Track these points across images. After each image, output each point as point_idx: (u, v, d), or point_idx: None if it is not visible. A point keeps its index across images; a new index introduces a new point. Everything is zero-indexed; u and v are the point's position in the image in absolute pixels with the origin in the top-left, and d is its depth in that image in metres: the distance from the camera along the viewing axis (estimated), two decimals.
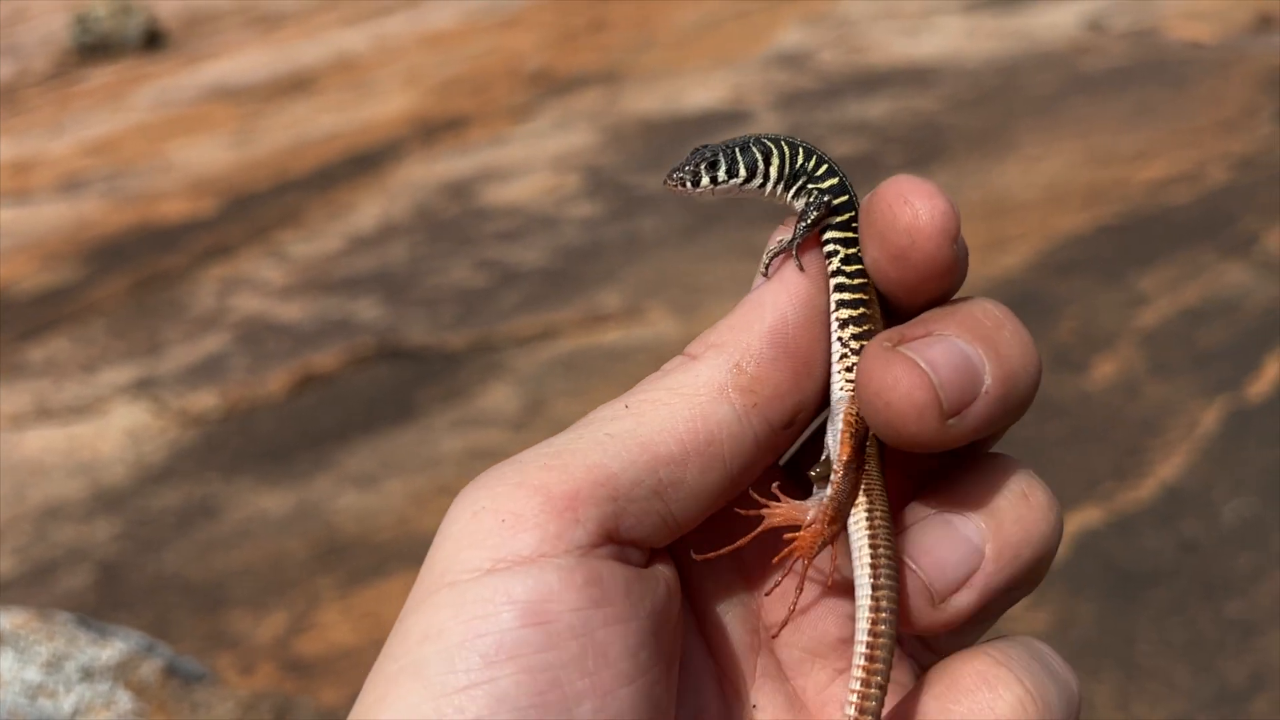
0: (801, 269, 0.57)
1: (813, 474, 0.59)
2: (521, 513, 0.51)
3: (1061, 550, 2.46)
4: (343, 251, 5.51)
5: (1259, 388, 3.55)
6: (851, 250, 0.58)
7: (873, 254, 0.57)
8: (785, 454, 0.61)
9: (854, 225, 0.59)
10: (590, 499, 0.51)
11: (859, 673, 0.55)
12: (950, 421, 0.53)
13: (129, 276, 5.60)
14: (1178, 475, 3.24)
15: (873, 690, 0.55)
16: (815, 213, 0.59)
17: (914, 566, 0.55)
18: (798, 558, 0.57)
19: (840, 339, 0.57)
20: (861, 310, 0.57)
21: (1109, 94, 6.02)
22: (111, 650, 1.80)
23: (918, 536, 0.56)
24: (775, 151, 0.60)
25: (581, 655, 0.49)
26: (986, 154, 5.50)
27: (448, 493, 3.75)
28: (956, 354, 0.53)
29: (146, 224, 6.18)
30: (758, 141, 0.60)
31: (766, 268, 0.59)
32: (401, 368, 4.51)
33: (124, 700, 1.72)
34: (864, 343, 0.57)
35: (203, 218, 6.11)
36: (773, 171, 0.60)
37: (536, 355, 4.46)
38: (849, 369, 0.57)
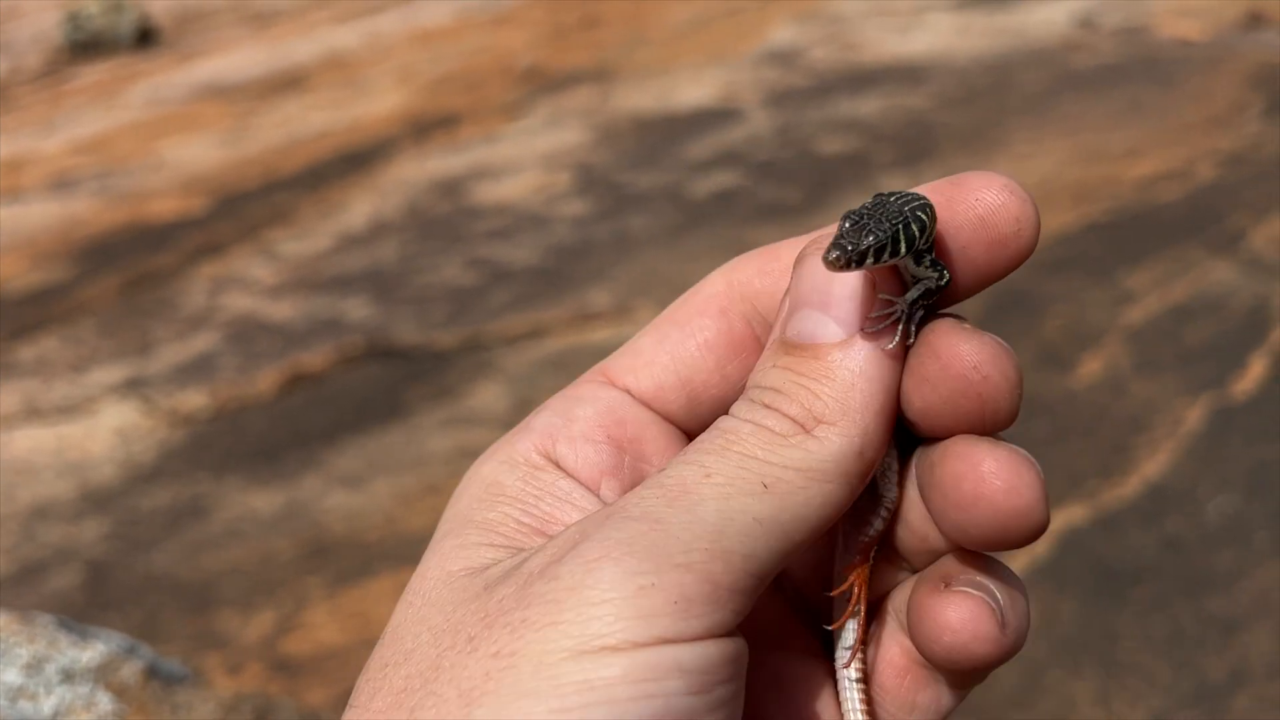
0: (910, 344, 0.57)
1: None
2: (692, 597, 0.52)
3: (1045, 548, 2.48)
4: (333, 250, 5.51)
5: (1244, 385, 3.57)
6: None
7: (963, 242, 0.58)
8: None
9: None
10: (744, 588, 0.53)
11: None
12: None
13: (119, 275, 5.60)
14: (1162, 473, 3.26)
15: None
16: (935, 292, 0.57)
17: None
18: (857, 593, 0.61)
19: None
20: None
21: (1099, 91, 6.03)
22: (92, 652, 1.81)
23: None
24: (917, 226, 0.56)
25: None
26: (976, 152, 5.51)
27: (436, 492, 3.77)
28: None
29: (137, 223, 6.18)
30: (914, 216, 0.56)
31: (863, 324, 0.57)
32: (391, 367, 4.52)
33: (104, 702, 1.73)
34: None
35: (193, 216, 6.12)
36: (904, 246, 0.56)
37: (526, 354, 4.47)
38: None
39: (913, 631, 0.58)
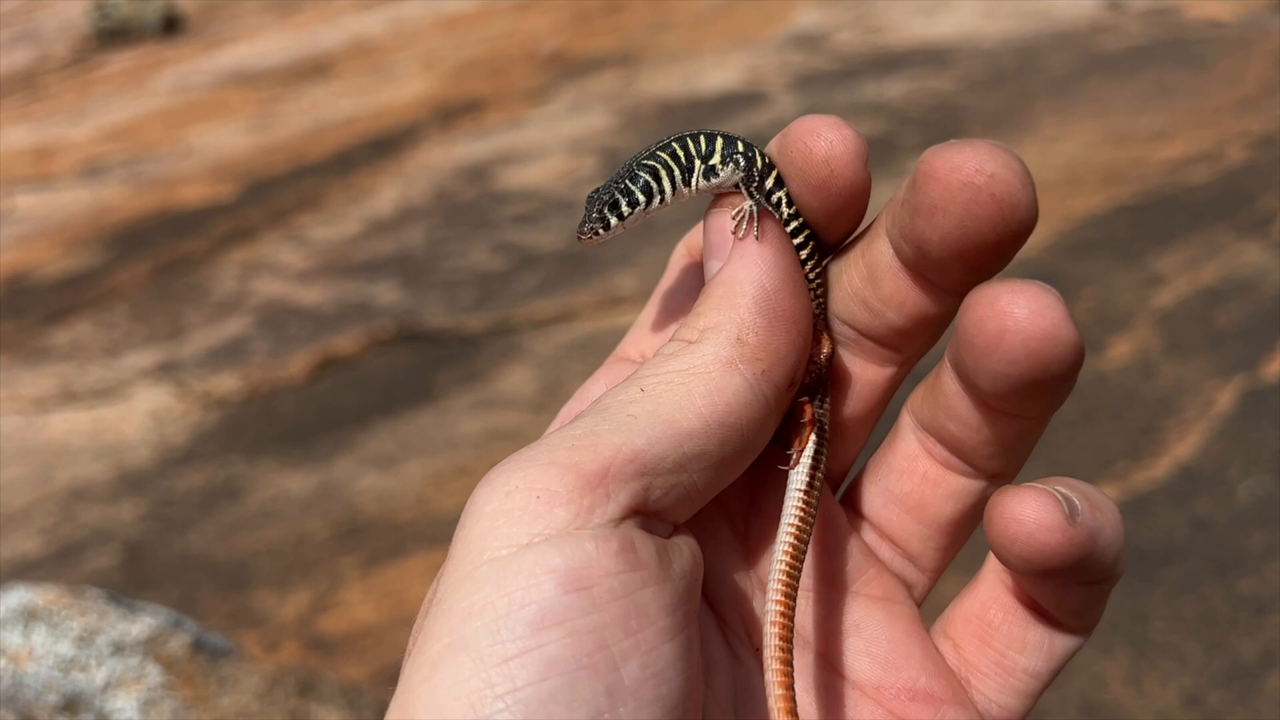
0: (757, 237, 0.60)
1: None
2: (554, 489, 0.53)
3: None
4: (361, 235, 5.55)
5: (1275, 367, 3.56)
6: (786, 193, 0.62)
7: (795, 188, 0.61)
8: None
9: (775, 172, 0.62)
10: (620, 475, 0.54)
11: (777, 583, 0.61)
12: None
13: (150, 261, 5.65)
14: (1192, 454, 3.25)
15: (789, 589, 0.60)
16: (754, 172, 0.62)
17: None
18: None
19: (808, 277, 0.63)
20: (811, 244, 0.62)
21: (1127, 73, 5.99)
22: (141, 626, 1.85)
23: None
24: (660, 165, 0.63)
25: (624, 616, 0.51)
26: (1003, 135, 5.49)
27: (467, 474, 3.80)
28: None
29: (167, 209, 6.23)
30: (641, 165, 0.63)
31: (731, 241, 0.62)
32: (420, 350, 4.55)
33: (153, 674, 1.76)
34: (817, 272, 0.63)
35: (222, 202, 6.16)
36: (666, 183, 0.63)
37: (554, 338, 4.49)
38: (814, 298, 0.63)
39: (988, 535, 0.58)
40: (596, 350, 4.39)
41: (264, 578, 3.37)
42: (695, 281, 0.67)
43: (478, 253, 5.21)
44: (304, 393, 4.37)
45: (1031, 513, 0.56)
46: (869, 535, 0.67)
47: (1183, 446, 3.30)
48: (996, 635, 0.63)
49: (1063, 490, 0.58)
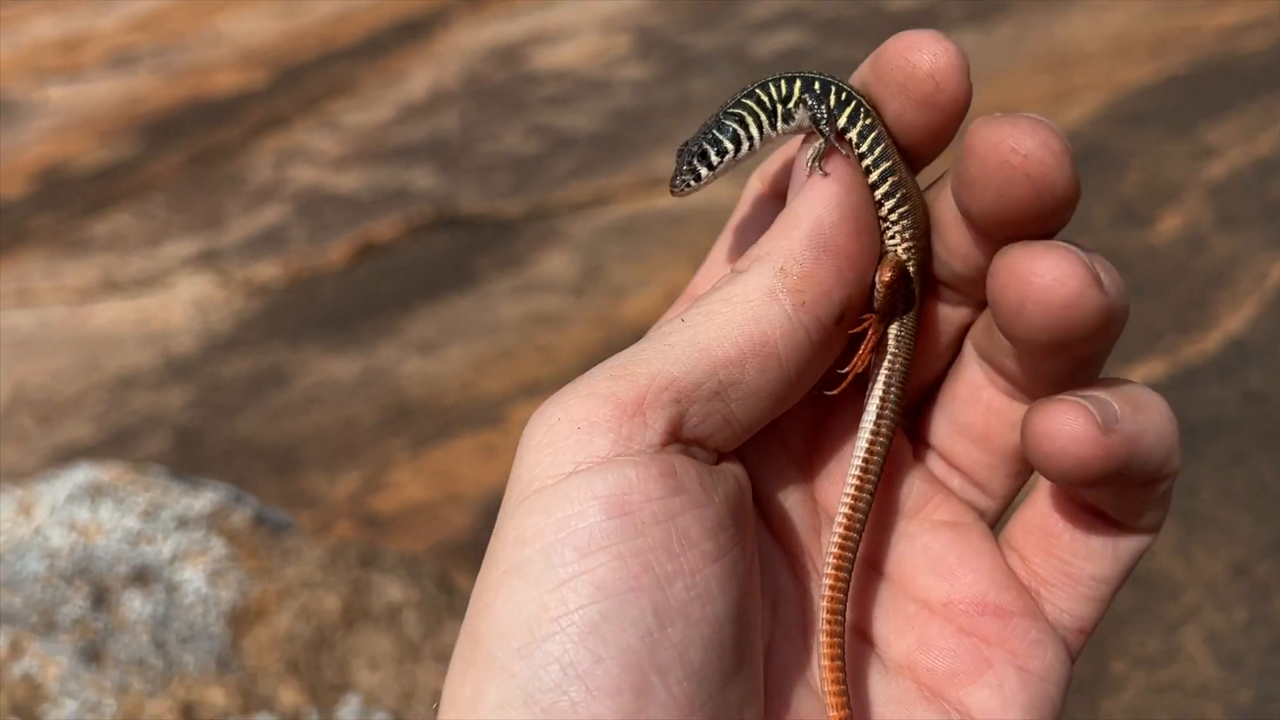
0: (825, 173, 0.60)
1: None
2: (594, 419, 0.54)
3: None
4: (395, 120, 5.49)
5: None
6: (861, 127, 0.61)
7: (896, 108, 0.60)
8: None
9: (856, 106, 0.62)
10: (656, 402, 0.55)
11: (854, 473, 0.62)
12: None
13: (185, 150, 5.63)
14: (1244, 327, 3.21)
15: (867, 484, 0.62)
16: (823, 110, 0.62)
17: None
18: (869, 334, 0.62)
19: (881, 216, 0.62)
20: (890, 180, 0.61)
21: None
22: (203, 500, 1.88)
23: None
24: (746, 113, 0.64)
25: (666, 539, 0.53)
26: (1050, 4, 5.32)
27: (509, 357, 3.82)
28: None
29: (199, 98, 6.18)
30: (728, 114, 0.64)
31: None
32: (459, 236, 4.54)
33: (218, 547, 1.80)
34: (901, 210, 0.62)
35: (254, 90, 6.10)
36: (754, 129, 0.64)
37: (592, 221, 4.46)
38: (890, 234, 0.62)
39: (1025, 451, 0.58)
40: (635, 233, 4.36)
41: (314, 460, 3.42)
42: (766, 213, 0.67)
43: (511, 136, 5.15)
44: (344, 279, 4.38)
45: (1063, 426, 0.56)
46: (937, 465, 0.67)
47: (1234, 320, 3.25)
48: (1059, 544, 0.63)
49: (1100, 396, 0.57)
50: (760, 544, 0.62)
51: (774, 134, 0.64)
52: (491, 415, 3.54)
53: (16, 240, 5.02)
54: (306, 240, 4.62)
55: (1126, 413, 0.57)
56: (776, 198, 0.67)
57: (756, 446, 0.62)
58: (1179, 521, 2.68)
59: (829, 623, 0.60)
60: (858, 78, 0.63)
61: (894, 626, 0.64)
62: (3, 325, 4.38)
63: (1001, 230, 0.58)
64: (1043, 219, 0.56)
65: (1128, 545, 0.63)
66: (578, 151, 4.92)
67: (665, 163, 4.68)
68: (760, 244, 0.60)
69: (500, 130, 5.21)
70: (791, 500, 0.65)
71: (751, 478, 0.62)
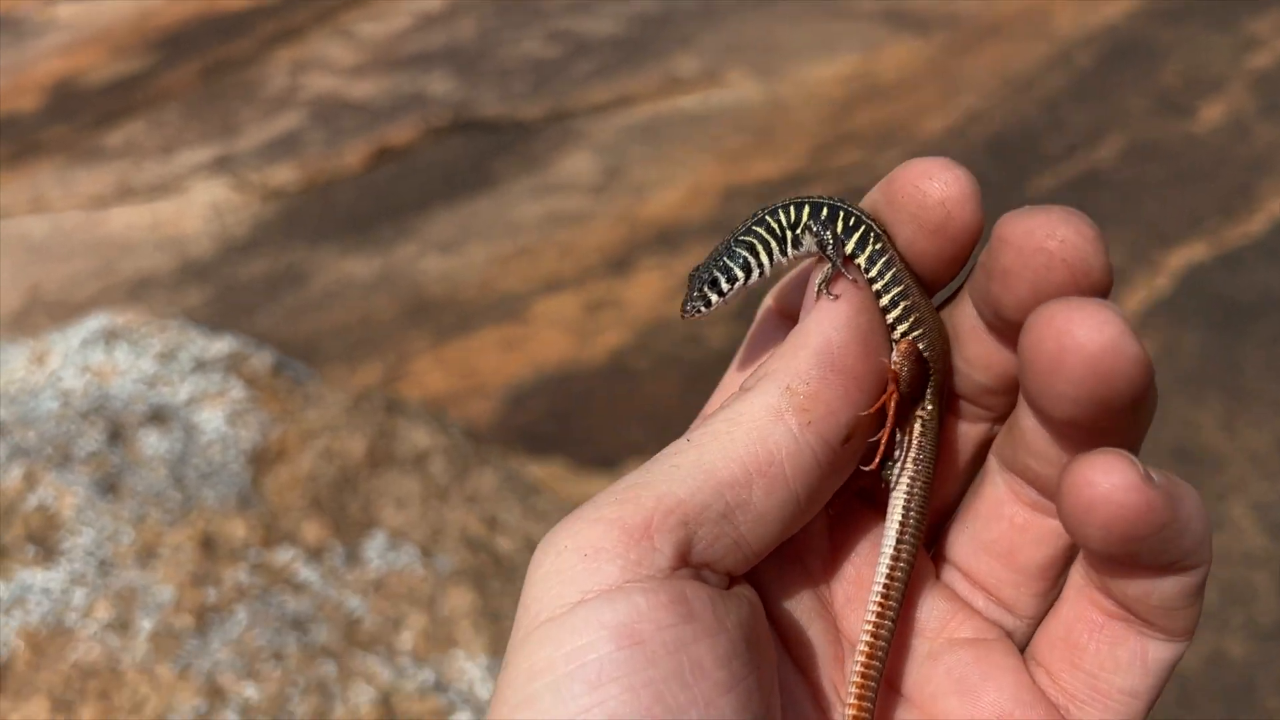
0: (834, 297, 0.60)
1: (884, 470, 0.63)
2: (601, 545, 0.53)
3: (1164, 285, 2.37)
4: (412, 29, 5.38)
5: None
6: (871, 252, 0.61)
7: (907, 235, 0.60)
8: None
9: (865, 231, 0.62)
10: (663, 525, 0.54)
11: (872, 610, 0.61)
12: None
13: (198, 63, 5.53)
14: None
15: (884, 627, 0.61)
16: (829, 235, 0.62)
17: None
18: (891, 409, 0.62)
19: (893, 338, 0.62)
20: (903, 304, 0.61)
21: None
22: (221, 344, 1.82)
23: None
24: (756, 240, 0.65)
25: (679, 669, 0.51)
26: None
27: (529, 254, 3.74)
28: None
29: (210, 11, 6.07)
30: (739, 241, 0.65)
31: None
32: (477, 139, 4.45)
33: (237, 389, 1.74)
34: (916, 333, 0.61)
35: (268, 2, 5.99)
36: (764, 256, 0.65)
37: (613, 122, 4.36)
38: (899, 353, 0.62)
39: (1061, 512, 0.55)
40: (657, 132, 4.26)
41: (334, 354, 3.36)
42: (778, 334, 0.68)
43: (530, 41, 5.04)
44: (361, 182, 4.30)
45: (1105, 476, 0.52)
46: (960, 584, 0.66)
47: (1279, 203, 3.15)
48: (1085, 656, 0.60)
49: (1131, 455, 0.55)
50: (782, 674, 0.61)
51: (784, 260, 0.65)
52: (512, 309, 3.46)
53: (29, 151, 4.95)
54: (323, 145, 4.53)
55: (1164, 479, 0.54)
56: (788, 318, 0.66)
57: (774, 572, 0.61)
58: (1223, 398, 2.60)
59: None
60: (868, 201, 0.62)
61: None
62: (17, 231, 4.33)
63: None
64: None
65: (1158, 654, 0.59)
66: (598, 55, 4.81)
67: (688, 64, 4.57)
68: (768, 362, 0.59)
69: (519, 36, 5.10)
70: (812, 627, 0.63)
71: (770, 605, 0.61)
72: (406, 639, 1.43)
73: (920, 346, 0.61)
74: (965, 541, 0.65)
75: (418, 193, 4.16)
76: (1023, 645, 0.64)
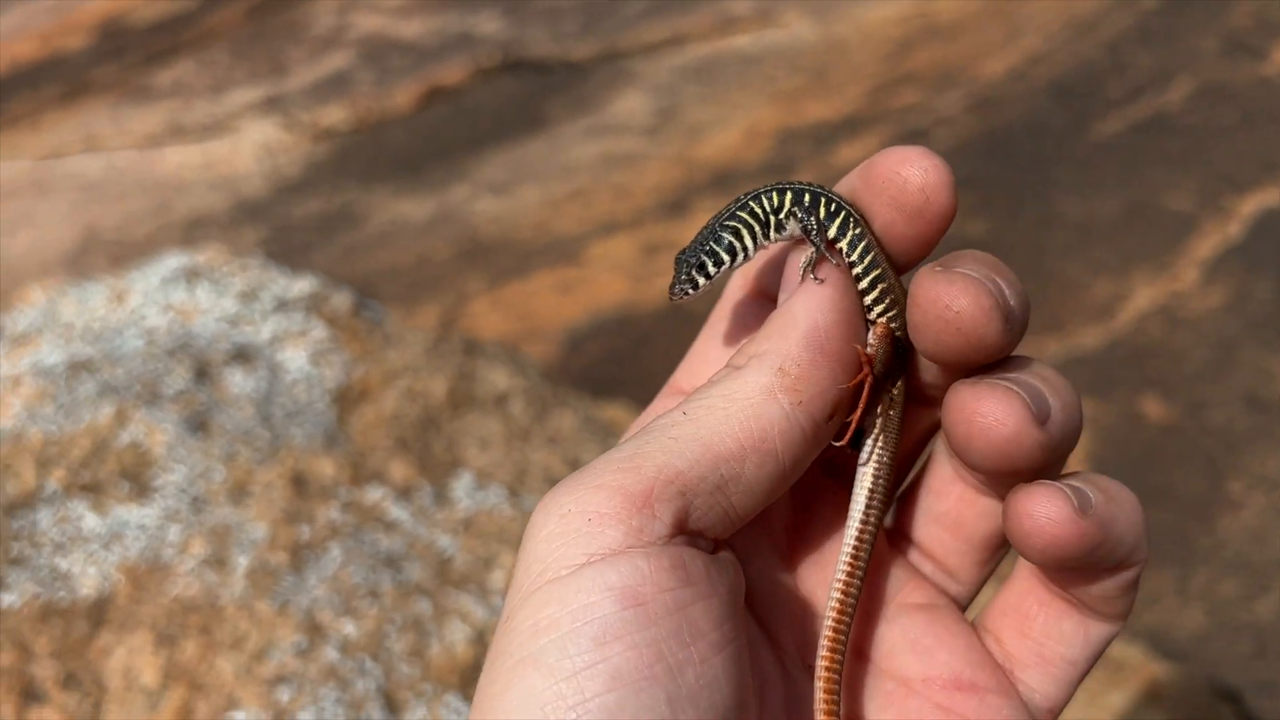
0: (820, 280, 0.63)
1: (854, 445, 0.67)
2: (604, 511, 0.56)
3: (1236, 231, 2.33)
4: None
5: None
6: (851, 237, 0.64)
7: (886, 218, 0.63)
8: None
9: (845, 216, 0.65)
10: (663, 495, 0.57)
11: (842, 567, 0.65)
12: (1008, 325, 0.59)
13: (244, 2, 5.50)
14: None
15: (853, 586, 0.65)
16: (813, 221, 0.65)
17: (1018, 389, 0.60)
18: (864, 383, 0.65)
19: (869, 319, 0.65)
20: (880, 287, 0.65)
21: None
22: (303, 284, 1.82)
23: (1009, 378, 0.61)
24: (741, 225, 0.67)
25: (678, 630, 0.54)
26: None
27: (583, 196, 3.72)
28: (992, 274, 0.61)
29: None
30: (724, 226, 0.68)
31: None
32: (527, 79, 4.41)
33: (318, 329, 1.74)
34: (891, 314, 0.65)
35: None
36: (748, 240, 0.67)
37: (666, 61, 4.30)
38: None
39: (1006, 532, 0.61)
40: (711, 72, 4.20)
41: (391, 295, 3.36)
42: (748, 313, 0.72)
43: None
44: (412, 123, 4.28)
45: (1042, 509, 0.59)
46: (912, 553, 0.71)
47: None
48: (1034, 626, 0.66)
49: (1076, 485, 0.60)
50: (748, 632, 0.64)
51: (767, 243, 0.68)
52: (568, 252, 3.45)
53: (81, 89, 4.96)
54: (372, 85, 4.51)
55: (1100, 500, 0.60)
56: (758, 295, 0.71)
57: (743, 536, 0.64)
58: None
59: (826, 703, 0.63)
60: (845, 186, 0.66)
61: (876, 704, 0.67)
62: (71, 170, 4.34)
63: (944, 366, 0.64)
64: (976, 363, 0.61)
65: (1098, 631, 0.66)
66: None
67: (742, 3, 4.50)
68: (757, 342, 0.62)
69: None
70: (776, 589, 0.68)
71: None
72: (498, 578, 1.44)
73: (894, 329, 0.64)
74: (917, 513, 0.70)
75: (469, 133, 4.13)
76: (964, 610, 0.71)
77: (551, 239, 3.52)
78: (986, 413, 0.59)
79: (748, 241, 0.67)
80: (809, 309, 0.62)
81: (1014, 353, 0.63)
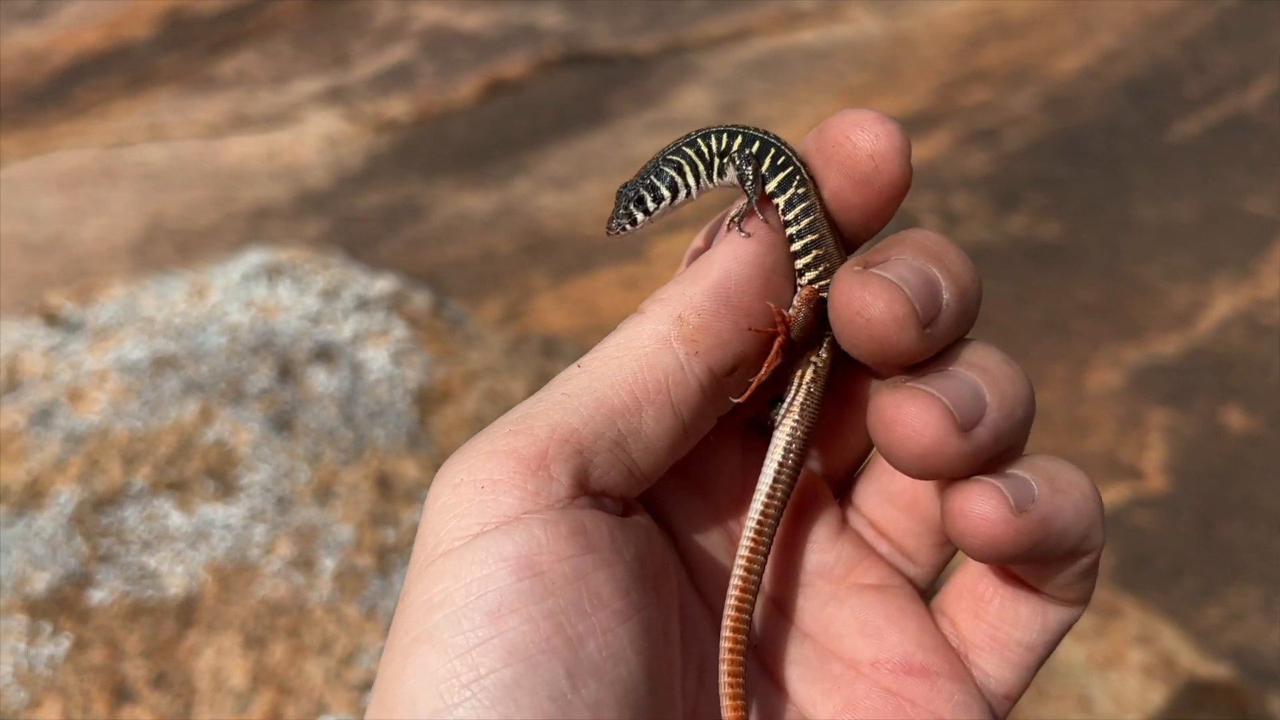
0: (746, 234, 0.60)
1: (772, 410, 0.64)
2: (497, 477, 0.53)
3: None
4: None
5: None
6: (791, 195, 0.61)
7: (834, 184, 0.60)
8: (744, 411, 0.65)
9: (791, 173, 0.61)
10: (558, 455, 0.54)
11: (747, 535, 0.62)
12: (927, 330, 0.57)
13: None
14: None
15: (760, 548, 0.62)
16: (750, 170, 0.62)
17: (939, 395, 0.57)
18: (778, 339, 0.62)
19: (799, 284, 0.62)
20: (815, 253, 0.61)
21: None
22: (383, 283, 1.81)
23: (934, 382, 0.58)
24: (684, 161, 0.64)
25: (578, 599, 0.52)
26: None
27: None
28: (920, 272, 0.57)
29: None
30: (666, 161, 0.65)
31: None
32: (590, 73, 4.39)
33: (399, 329, 1.74)
34: (824, 283, 0.61)
35: None
36: (690, 178, 0.64)
37: (730, 56, 4.27)
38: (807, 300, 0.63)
39: (943, 523, 0.58)
40: (776, 67, 4.16)
41: (456, 288, 3.36)
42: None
43: None
44: (474, 115, 4.28)
45: (974, 507, 0.57)
46: (866, 531, 0.68)
47: None
48: (988, 609, 0.64)
49: (1020, 475, 0.58)
50: (690, 609, 0.62)
51: (710, 185, 0.64)
52: (632, 248, 3.43)
53: (146, 78, 5.00)
54: (434, 77, 4.51)
55: (1044, 493, 0.58)
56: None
57: (683, 506, 0.63)
58: None
59: (731, 688, 0.60)
60: (803, 146, 0.63)
61: (821, 688, 0.64)
62: (137, 159, 4.38)
63: (868, 365, 0.61)
64: (897, 366, 0.59)
65: (1055, 615, 0.63)
66: None
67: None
68: (666, 287, 0.59)
69: None
70: (718, 558, 0.64)
71: (679, 537, 0.63)
72: None
73: (823, 296, 0.61)
74: (873, 492, 0.67)
75: (531, 127, 4.12)
76: (923, 592, 0.68)
77: None
78: (905, 422, 0.56)
79: (690, 179, 0.64)
80: (724, 259, 0.59)
81: (968, 336, 0.61)
